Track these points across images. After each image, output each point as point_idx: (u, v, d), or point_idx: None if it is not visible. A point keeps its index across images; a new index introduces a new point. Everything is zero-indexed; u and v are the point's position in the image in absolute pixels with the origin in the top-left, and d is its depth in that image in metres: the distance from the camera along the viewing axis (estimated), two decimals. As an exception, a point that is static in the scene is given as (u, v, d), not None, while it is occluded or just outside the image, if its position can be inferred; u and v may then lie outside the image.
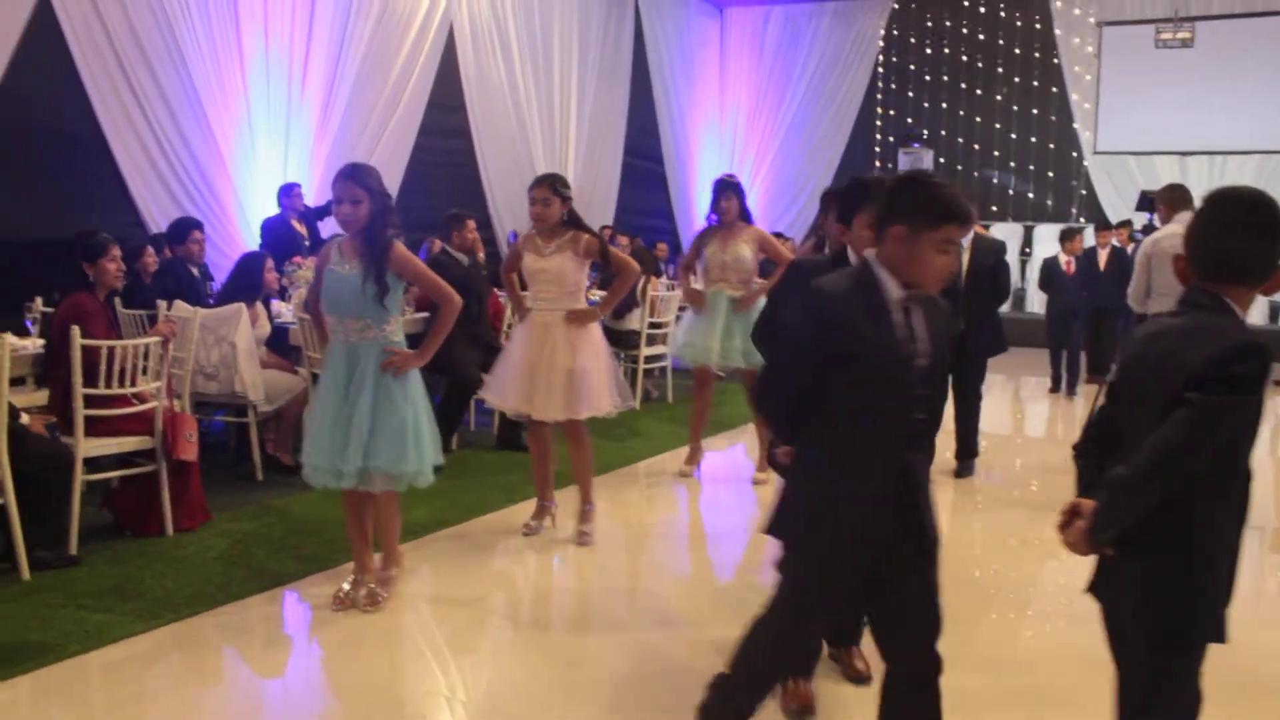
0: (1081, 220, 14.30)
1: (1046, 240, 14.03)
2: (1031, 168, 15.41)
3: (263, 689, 3.93)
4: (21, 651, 3.91)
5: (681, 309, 9.32)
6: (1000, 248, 7.09)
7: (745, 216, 6.50)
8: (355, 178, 4.23)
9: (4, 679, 3.71)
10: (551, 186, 5.21)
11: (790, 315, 3.01)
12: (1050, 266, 10.85)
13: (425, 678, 3.97)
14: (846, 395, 2.67)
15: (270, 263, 6.75)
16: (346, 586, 4.49)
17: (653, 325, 9.18)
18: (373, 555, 4.59)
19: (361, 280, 4.20)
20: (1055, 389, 10.64)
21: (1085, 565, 2.49)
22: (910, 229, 2.61)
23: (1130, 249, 10.45)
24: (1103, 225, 11.48)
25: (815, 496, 2.76)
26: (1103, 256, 10.70)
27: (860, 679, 3.76)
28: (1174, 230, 6.14)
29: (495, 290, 7.78)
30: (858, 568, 2.74)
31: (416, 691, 3.83)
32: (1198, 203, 2.45)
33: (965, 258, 6.42)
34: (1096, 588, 2.48)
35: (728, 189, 6.42)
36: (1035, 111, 15.31)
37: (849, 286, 2.69)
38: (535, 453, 5.56)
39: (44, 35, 7.63)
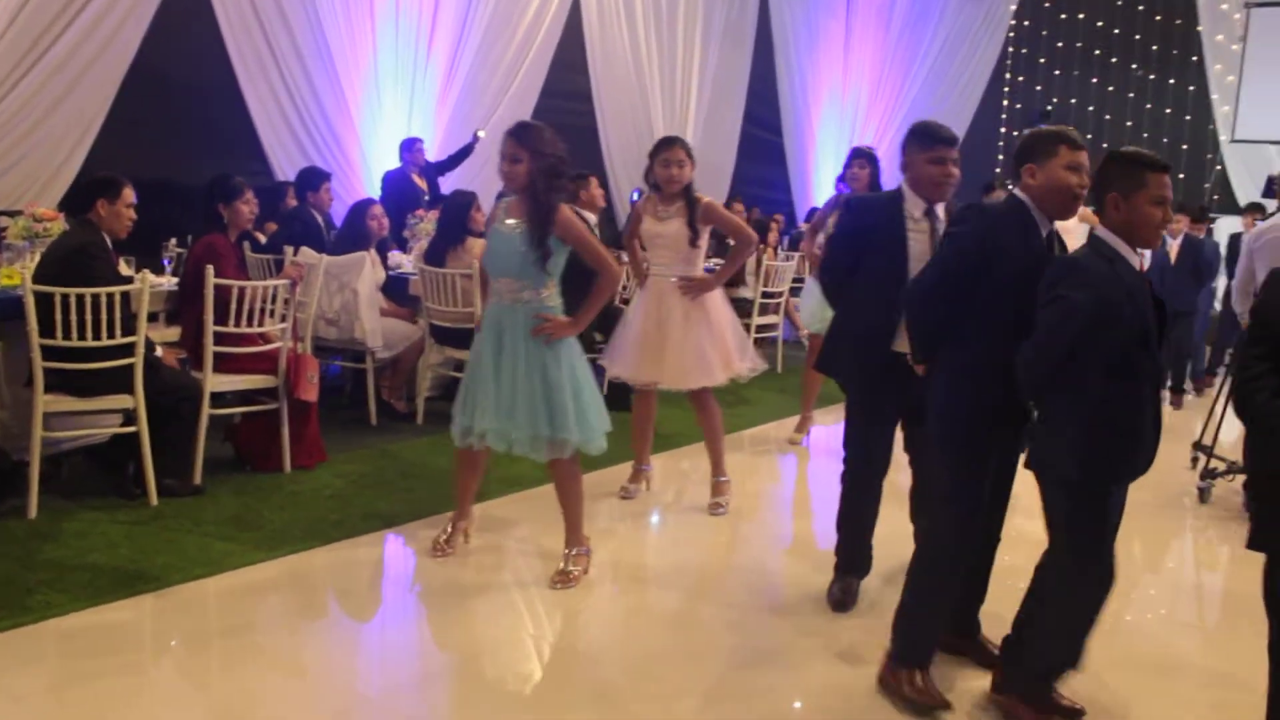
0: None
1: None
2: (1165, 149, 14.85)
3: (365, 626, 4.04)
4: (149, 572, 4.11)
5: (796, 280, 9.29)
6: None
7: (875, 189, 6.33)
8: (516, 135, 4.11)
9: (131, 595, 3.91)
10: (685, 148, 5.11)
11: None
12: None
13: (515, 623, 4.01)
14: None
15: (376, 209, 6.77)
16: (445, 534, 4.58)
17: (766, 295, 9.12)
18: (472, 507, 4.67)
19: (523, 241, 4.14)
20: None
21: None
22: None
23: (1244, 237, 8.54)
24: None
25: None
26: (1173, 248, 9.02)
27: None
28: None
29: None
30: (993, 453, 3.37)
31: (506, 634, 3.89)
32: None
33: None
34: None
35: (861, 156, 6.18)
36: (1172, 92, 14.75)
37: None
38: (638, 417, 5.52)
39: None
